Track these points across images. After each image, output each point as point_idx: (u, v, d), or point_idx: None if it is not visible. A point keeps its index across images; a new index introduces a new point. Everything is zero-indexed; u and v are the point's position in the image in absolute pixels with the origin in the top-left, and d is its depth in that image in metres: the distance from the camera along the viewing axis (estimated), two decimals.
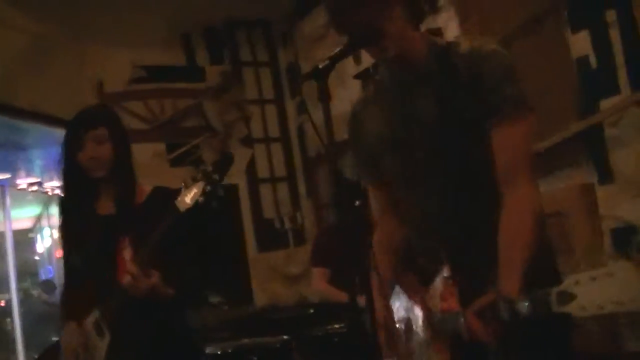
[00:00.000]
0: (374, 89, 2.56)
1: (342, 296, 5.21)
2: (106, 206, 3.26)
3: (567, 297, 1.71)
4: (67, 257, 3.41)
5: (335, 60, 2.21)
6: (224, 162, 3.23)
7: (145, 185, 3.35)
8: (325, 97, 2.25)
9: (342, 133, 7.02)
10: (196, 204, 2.96)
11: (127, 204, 3.23)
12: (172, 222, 2.98)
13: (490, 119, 2.24)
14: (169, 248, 3.05)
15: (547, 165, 4.64)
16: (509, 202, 2.22)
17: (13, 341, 8.46)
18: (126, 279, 3.00)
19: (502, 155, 2.24)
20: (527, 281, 2.04)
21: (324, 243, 5.66)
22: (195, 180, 3.00)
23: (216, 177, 3.00)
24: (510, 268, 2.11)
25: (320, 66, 2.17)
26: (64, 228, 3.41)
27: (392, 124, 2.42)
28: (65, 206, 3.39)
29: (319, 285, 5.61)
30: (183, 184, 3.01)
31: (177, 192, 3.02)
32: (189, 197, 2.97)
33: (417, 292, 2.32)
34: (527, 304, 1.86)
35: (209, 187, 2.97)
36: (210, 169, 3.01)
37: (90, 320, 3.18)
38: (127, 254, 3.17)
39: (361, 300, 2.10)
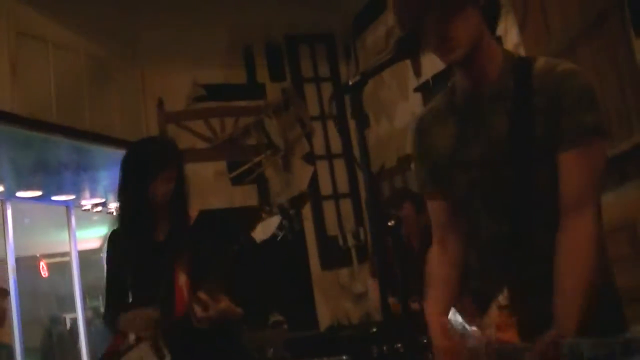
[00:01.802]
0: (443, 100, 2.42)
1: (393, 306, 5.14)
2: (161, 233, 3.43)
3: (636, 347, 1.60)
4: (119, 281, 3.49)
5: (367, 75, 2.10)
6: (300, 198, 3.43)
7: (193, 211, 3.50)
8: (358, 113, 2.14)
9: (404, 147, 6.95)
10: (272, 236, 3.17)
11: (181, 232, 3.40)
12: (247, 252, 3.17)
13: (563, 144, 2.11)
14: (236, 272, 3.22)
15: (616, 175, 4.48)
16: (570, 231, 2.09)
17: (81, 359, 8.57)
18: (198, 310, 3.12)
19: (569, 181, 2.12)
20: (588, 318, 1.94)
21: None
22: (271, 213, 3.19)
23: (293, 212, 3.21)
24: (567, 301, 2.01)
25: (351, 82, 2.06)
26: (123, 253, 3.46)
27: (460, 139, 2.30)
28: (126, 232, 3.46)
29: (373, 295, 5.58)
30: (261, 216, 3.21)
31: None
32: (266, 230, 3.17)
33: (474, 317, 2.20)
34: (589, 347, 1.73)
35: (285, 222, 3.17)
36: (286, 204, 3.22)
37: (146, 342, 3.27)
38: (182, 279, 3.34)
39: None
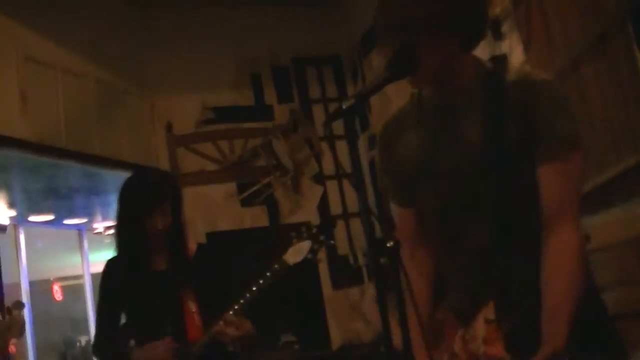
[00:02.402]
0: (408, 110, 2.41)
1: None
2: (160, 263, 3.52)
3: None
4: (113, 310, 3.51)
5: (362, 97, 2.11)
6: (329, 224, 3.58)
7: (191, 243, 3.74)
8: (352, 137, 2.16)
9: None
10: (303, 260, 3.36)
11: (183, 261, 3.53)
12: (279, 275, 3.33)
13: (539, 155, 2.12)
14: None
15: (623, 191, 4.46)
16: (553, 244, 2.09)
17: None
18: (230, 331, 3.26)
19: (548, 193, 2.12)
20: (575, 331, 1.94)
21: None
22: (301, 238, 3.36)
23: (322, 237, 3.38)
24: (553, 316, 2.00)
25: (344, 106, 2.07)
26: (122, 283, 3.48)
27: (427, 150, 2.30)
28: (124, 264, 3.51)
29: (368, 306, 5.61)
30: (290, 241, 3.39)
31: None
32: (296, 254, 3.34)
33: (454, 331, 2.20)
34: None
35: (316, 246, 3.34)
36: (315, 230, 3.38)
37: None
38: (192, 306, 3.43)
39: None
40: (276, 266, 3.36)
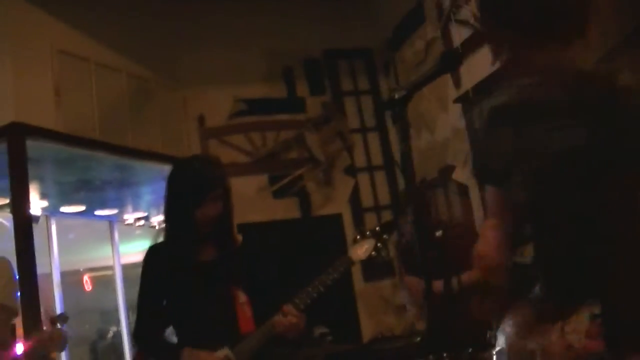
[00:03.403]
0: (508, 100, 2.31)
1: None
2: (208, 252, 3.49)
3: None
4: (155, 297, 3.49)
5: (413, 89, 2.10)
6: (391, 224, 3.64)
7: (237, 235, 3.64)
8: (403, 127, 2.15)
9: (444, 159, 6.92)
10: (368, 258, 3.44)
11: (233, 251, 3.52)
12: (344, 271, 3.42)
13: (621, 167, 2.04)
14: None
15: None
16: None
17: None
18: (290, 322, 3.31)
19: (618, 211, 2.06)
20: None
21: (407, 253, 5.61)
22: (364, 236, 3.46)
23: (385, 236, 3.50)
24: None
25: (396, 96, 2.06)
26: (165, 274, 3.47)
27: (518, 147, 2.23)
28: (172, 252, 3.48)
29: (405, 294, 5.58)
30: (354, 239, 3.51)
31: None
32: (361, 251, 3.43)
33: (555, 321, 2.15)
34: None
35: (379, 244, 3.45)
36: (379, 229, 3.48)
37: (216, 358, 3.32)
38: (242, 298, 3.41)
39: None
40: (341, 263, 3.36)
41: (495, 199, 2.39)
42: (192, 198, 3.38)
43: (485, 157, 2.38)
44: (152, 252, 3.60)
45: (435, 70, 2.16)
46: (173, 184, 3.50)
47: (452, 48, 6.62)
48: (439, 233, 5.28)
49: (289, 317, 3.31)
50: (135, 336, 3.57)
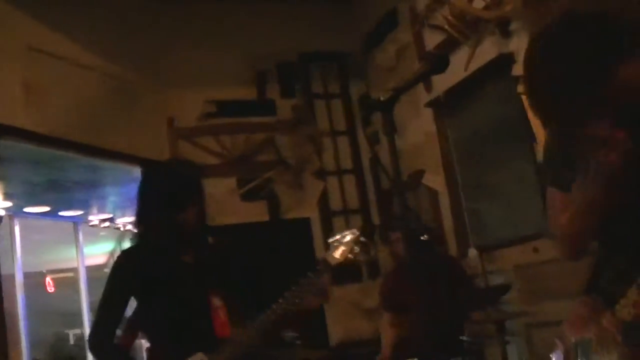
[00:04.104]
0: None
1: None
2: (186, 257, 3.45)
3: None
4: (120, 303, 3.45)
5: (400, 91, 2.11)
6: (370, 228, 3.60)
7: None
8: (390, 129, 2.17)
9: (414, 163, 6.96)
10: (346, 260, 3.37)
11: (208, 255, 3.49)
12: (323, 275, 3.35)
13: None
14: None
15: None
16: None
17: None
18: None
19: None
20: None
21: (392, 286, 5.65)
22: (343, 239, 3.37)
23: (363, 239, 3.40)
24: None
25: (382, 98, 2.07)
26: (140, 279, 3.42)
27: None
28: (146, 258, 3.43)
29: (384, 332, 5.63)
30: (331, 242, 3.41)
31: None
32: (338, 254, 3.34)
33: (601, 313, 2.18)
34: None
35: (357, 248, 3.35)
36: (358, 233, 3.38)
37: None
38: (217, 302, 3.40)
39: None
40: (319, 267, 3.35)
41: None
42: (175, 203, 3.36)
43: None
44: (124, 257, 3.54)
45: (424, 71, 2.17)
46: (153, 187, 3.46)
47: (428, 51, 6.67)
48: (424, 237, 5.33)
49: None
50: (91, 340, 3.43)
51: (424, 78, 2.21)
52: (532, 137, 5.41)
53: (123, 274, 3.45)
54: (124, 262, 3.49)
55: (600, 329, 2.15)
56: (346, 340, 7.17)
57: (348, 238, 3.38)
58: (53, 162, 6.50)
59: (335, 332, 7.51)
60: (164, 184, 3.44)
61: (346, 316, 7.61)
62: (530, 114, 5.22)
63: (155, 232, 3.41)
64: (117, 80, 6.73)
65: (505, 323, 5.16)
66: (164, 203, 3.37)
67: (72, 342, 9.93)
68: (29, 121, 5.77)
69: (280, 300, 3.31)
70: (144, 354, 3.66)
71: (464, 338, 5.11)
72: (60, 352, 10.10)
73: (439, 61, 2.27)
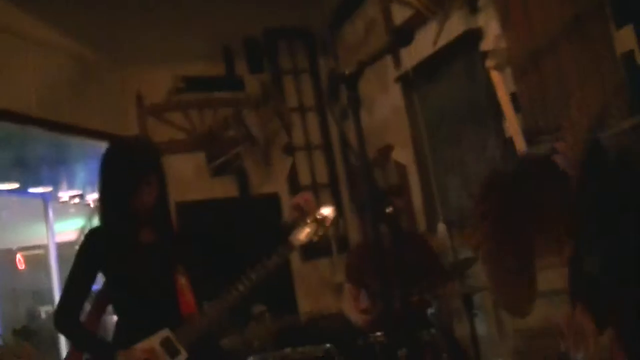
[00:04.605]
0: None
1: (359, 320, 5.28)
2: (147, 236, 3.42)
3: None
4: (86, 280, 3.45)
5: (364, 64, 2.13)
6: (332, 210, 3.60)
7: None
8: (355, 103, 2.19)
9: (383, 139, 6.99)
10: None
11: (171, 235, 3.46)
12: (286, 256, 3.39)
13: None
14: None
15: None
16: None
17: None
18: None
19: None
20: None
21: (356, 262, 5.68)
22: (307, 221, 3.39)
23: (329, 219, 3.43)
24: None
25: (347, 72, 2.10)
26: (103, 258, 3.43)
27: None
28: (110, 235, 3.42)
29: (345, 303, 5.66)
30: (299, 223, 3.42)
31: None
32: (302, 236, 3.38)
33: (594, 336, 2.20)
34: None
35: (320, 231, 3.39)
36: (321, 216, 3.41)
37: (155, 341, 3.29)
38: (182, 280, 3.37)
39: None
40: (283, 249, 3.37)
41: None
42: (126, 183, 3.32)
43: None
44: (91, 235, 3.53)
45: (388, 46, 2.20)
46: (107, 167, 3.43)
47: (396, 27, 6.68)
48: (389, 209, 5.36)
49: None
50: (56, 316, 3.43)
51: (388, 52, 2.22)
52: (499, 113, 5.44)
53: (88, 252, 3.45)
54: (89, 241, 3.48)
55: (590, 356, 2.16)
56: (315, 314, 7.20)
57: (312, 220, 3.41)
58: (17, 138, 6.44)
59: (305, 306, 7.55)
60: (113, 165, 3.40)
61: (315, 290, 7.66)
62: (499, 89, 5.30)
63: (110, 212, 3.41)
64: (82, 57, 6.69)
65: (472, 297, 5.21)
66: (114, 184, 3.36)
67: (43, 318, 9.91)
68: None
69: (246, 276, 3.33)
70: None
71: (431, 312, 5.15)
72: (32, 330, 10.08)
73: (402, 35, 2.30)
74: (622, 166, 2.14)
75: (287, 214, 3.53)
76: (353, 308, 5.60)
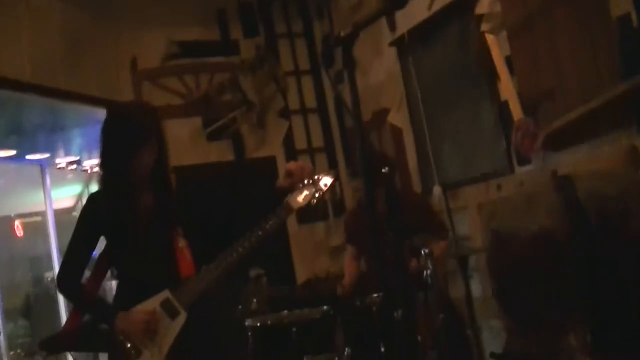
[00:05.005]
0: None
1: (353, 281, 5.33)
2: (146, 199, 3.47)
3: None
4: (87, 244, 3.51)
5: (359, 27, 2.14)
6: (333, 171, 3.56)
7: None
8: (350, 65, 2.20)
9: (378, 102, 7.00)
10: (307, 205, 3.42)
11: (171, 197, 3.50)
12: (284, 218, 3.41)
13: None
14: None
15: (592, 128, 4.54)
16: None
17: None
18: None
19: None
20: None
21: (353, 221, 5.72)
22: (307, 184, 3.41)
23: (326, 183, 3.44)
24: None
25: (342, 34, 2.11)
26: (104, 222, 3.47)
27: None
28: (110, 200, 3.46)
29: (346, 264, 5.71)
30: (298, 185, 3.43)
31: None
32: (300, 198, 3.39)
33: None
34: None
35: (318, 194, 3.40)
36: (319, 177, 3.44)
37: (155, 302, 3.37)
38: (181, 243, 3.45)
39: None
40: (280, 210, 3.39)
41: None
42: (126, 148, 3.36)
43: None
44: (91, 199, 3.59)
45: (382, 9, 2.20)
46: (107, 133, 3.47)
47: None
48: (385, 169, 5.37)
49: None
50: (59, 278, 3.53)
51: (383, 14, 2.22)
52: (493, 77, 5.45)
53: (88, 216, 3.52)
54: (89, 205, 3.56)
55: None
56: (312, 278, 7.25)
57: (310, 182, 3.43)
58: (13, 105, 6.44)
59: (302, 270, 7.60)
60: (115, 129, 3.44)
61: (312, 254, 7.71)
62: (494, 52, 5.30)
63: (110, 176, 3.45)
64: (76, 22, 6.65)
65: (468, 258, 5.26)
66: (115, 148, 3.39)
67: (46, 284, 9.97)
68: None
69: (244, 238, 3.36)
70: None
71: (427, 273, 5.19)
72: (33, 296, 10.14)
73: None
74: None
75: (280, 179, 3.54)
76: (354, 269, 5.65)
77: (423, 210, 5.59)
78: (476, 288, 5.66)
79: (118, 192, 3.42)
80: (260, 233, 3.36)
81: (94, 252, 3.57)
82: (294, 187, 3.43)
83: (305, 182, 3.42)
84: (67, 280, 3.50)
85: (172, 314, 3.36)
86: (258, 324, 4.59)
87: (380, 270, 5.23)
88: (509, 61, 5.20)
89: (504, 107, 5.39)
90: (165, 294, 3.38)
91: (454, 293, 5.76)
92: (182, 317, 3.35)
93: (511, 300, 2.27)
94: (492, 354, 4.17)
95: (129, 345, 3.34)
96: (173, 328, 3.35)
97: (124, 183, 3.40)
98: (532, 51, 4.97)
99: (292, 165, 3.54)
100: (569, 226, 1.96)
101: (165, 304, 3.37)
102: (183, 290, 3.38)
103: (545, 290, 2.13)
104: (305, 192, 3.40)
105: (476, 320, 5.19)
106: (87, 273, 3.64)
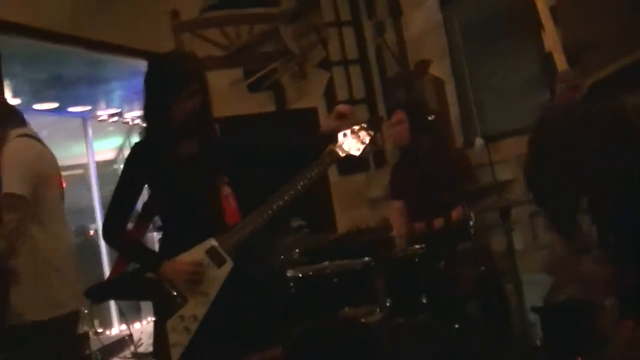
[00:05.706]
0: None
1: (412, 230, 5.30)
2: (189, 147, 3.48)
3: None
4: (132, 194, 3.55)
5: None
6: (377, 120, 3.92)
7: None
8: (396, 13, 2.16)
9: (420, 53, 6.91)
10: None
11: (215, 145, 3.51)
12: (329, 165, 3.43)
13: None
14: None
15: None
16: None
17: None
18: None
19: None
20: None
21: (398, 176, 5.67)
22: (352, 132, 3.41)
23: (371, 132, 3.44)
24: None
25: None
26: (148, 171, 3.48)
27: None
28: (153, 149, 3.49)
29: (393, 219, 5.68)
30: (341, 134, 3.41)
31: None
32: (347, 147, 3.39)
33: None
34: None
35: (365, 143, 3.41)
36: (365, 125, 3.42)
37: (200, 250, 3.38)
38: (225, 190, 3.45)
39: None
40: (325, 157, 3.37)
41: None
42: (167, 95, 3.36)
43: None
44: (134, 149, 3.61)
45: None
46: (149, 81, 3.48)
47: None
48: (431, 117, 5.32)
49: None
50: (104, 230, 3.55)
51: None
52: (538, 26, 5.34)
53: (132, 167, 3.55)
54: (133, 154, 3.58)
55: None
56: (353, 229, 7.25)
57: (357, 130, 3.40)
58: (53, 57, 6.46)
59: (342, 221, 7.59)
60: (156, 77, 3.45)
61: (353, 205, 7.69)
62: (539, 1, 5.19)
63: (152, 125, 3.46)
64: None
65: (510, 211, 5.20)
66: (157, 96, 3.39)
67: (89, 236, 10.09)
68: (27, 16, 5.72)
69: (289, 186, 3.36)
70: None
71: (471, 223, 5.17)
72: (78, 247, 10.28)
73: None
74: None
75: (324, 124, 3.50)
76: (402, 224, 5.62)
77: (462, 165, 5.54)
78: (518, 241, 5.61)
79: (161, 139, 3.43)
80: (306, 180, 3.35)
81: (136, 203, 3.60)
82: (337, 133, 3.41)
83: (352, 129, 3.40)
84: (113, 229, 3.53)
85: (218, 262, 3.38)
86: (299, 275, 4.59)
87: (427, 221, 5.27)
88: (553, 11, 5.10)
89: (547, 58, 5.29)
90: (211, 241, 3.39)
91: (495, 246, 5.72)
92: (228, 265, 3.37)
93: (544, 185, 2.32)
94: (532, 308, 4.15)
95: (174, 293, 3.36)
96: (219, 276, 3.37)
97: (166, 130, 3.41)
98: (577, 1, 4.87)
99: (344, 107, 3.51)
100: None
101: (211, 252, 3.39)
102: (229, 238, 3.39)
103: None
104: (351, 141, 3.38)
105: (517, 273, 5.14)
106: (130, 226, 3.68)
